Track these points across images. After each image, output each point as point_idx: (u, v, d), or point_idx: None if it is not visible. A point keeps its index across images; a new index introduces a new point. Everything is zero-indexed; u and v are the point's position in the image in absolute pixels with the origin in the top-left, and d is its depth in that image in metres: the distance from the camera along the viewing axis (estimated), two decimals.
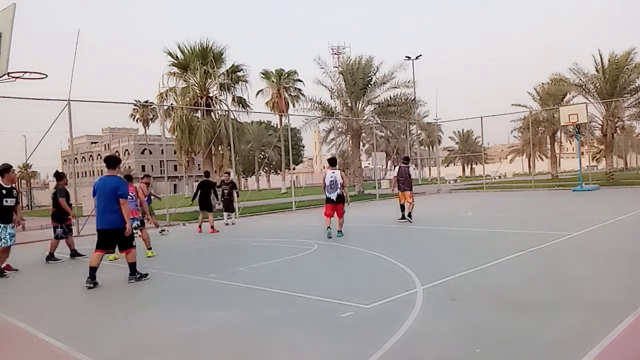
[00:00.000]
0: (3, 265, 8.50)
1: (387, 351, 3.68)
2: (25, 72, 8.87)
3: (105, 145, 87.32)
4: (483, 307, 4.77)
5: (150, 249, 9.20)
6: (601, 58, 28.81)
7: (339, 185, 10.21)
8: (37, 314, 5.59)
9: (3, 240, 8.16)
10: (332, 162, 10.85)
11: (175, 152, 26.14)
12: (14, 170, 8.47)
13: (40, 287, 7.26)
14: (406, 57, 41.33)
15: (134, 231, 9.93)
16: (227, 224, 14.79)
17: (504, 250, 7.58)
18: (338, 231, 10.37)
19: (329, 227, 10.31)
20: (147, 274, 7.07)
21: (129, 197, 9.08)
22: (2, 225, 8.10)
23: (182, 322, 4.87)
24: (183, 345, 4.18)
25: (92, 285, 6.65)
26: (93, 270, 6.73)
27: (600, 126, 30.59)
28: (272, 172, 74.21)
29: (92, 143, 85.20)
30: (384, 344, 3.80)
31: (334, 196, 10.20)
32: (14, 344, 4.57)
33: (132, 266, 6.95)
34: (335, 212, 10.37)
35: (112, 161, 7.12)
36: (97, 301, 6.11)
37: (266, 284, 6.23)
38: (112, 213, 6.74)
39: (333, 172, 10.34)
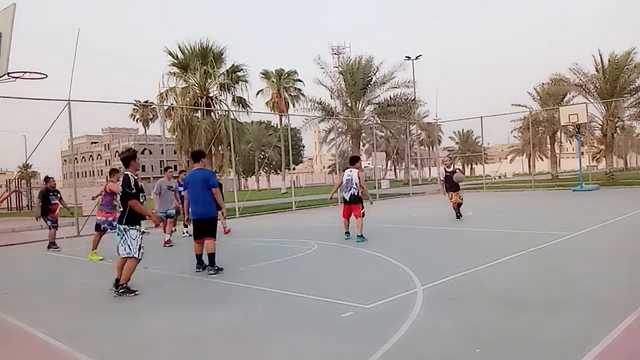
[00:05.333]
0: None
1: (387, 351, 3.68)
2: (25, 72, 8.84)
3: (105, 145, 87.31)
4: (483, 307, 4.77)
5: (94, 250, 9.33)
6: (601, 58, 28.86)
7: (354, 185, 9.61)
8: (37, 314, 5.59)
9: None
10: (351, 160, 10.34)
11: (175, 152, 26.14)
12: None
13: (40, 287, 7.25)
14: (406, 57, 41.28)
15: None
16: (184, 235, 12.33)
17: (504, 250, 7.58)
18: (358, 236, 9.52)
19: (347, 232, 9.85)
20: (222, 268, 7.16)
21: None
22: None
23: (182, 322, 4.87)
24: (183, 345, 4.18)
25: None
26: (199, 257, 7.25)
27: (600, 126, 30.62)
28: (272, 172, 74.21)
29: (92, 143, 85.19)
30: (384, 344, 3.80)
31: (347, 196, 9.69)
32: (14, 344, 4.57)
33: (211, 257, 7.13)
34: (352, 214, 9.74)
35: (197, 155, 7.53)
36: (97, 301, 6.10)
37: (266, 284, 6.23)
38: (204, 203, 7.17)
39: (350, 171, 9.80)
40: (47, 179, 11.68)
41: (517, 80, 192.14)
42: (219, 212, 8.54)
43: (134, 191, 6.02)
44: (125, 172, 6.13)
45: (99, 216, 9.48)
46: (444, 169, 13.64)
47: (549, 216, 13.25)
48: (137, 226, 6.15)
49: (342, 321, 4.54)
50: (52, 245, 11.16)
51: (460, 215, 12.97)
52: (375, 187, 30.02)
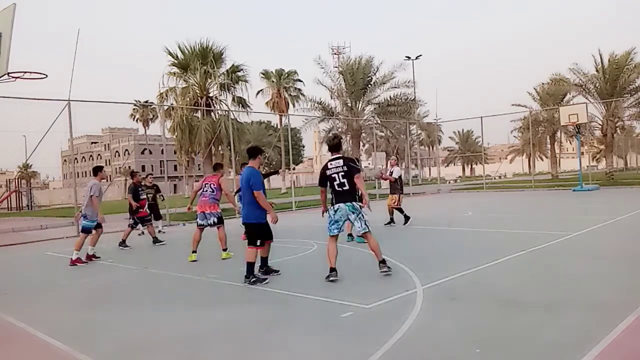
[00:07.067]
0: None
1: (387, 351, 3.68)
2: (25, 72, 8.86)
3: (105, 145, 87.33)
4: (483, 307, 4.77)
5: (225, 249, 8.67)
6: (601, 58, 28.86)
7: None
8: (37, 314, 5.59)
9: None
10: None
11: (175, 152, 26.21)
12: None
13: (40, 287, 7.25)
14: (406, 57, 41.33)
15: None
16: (141, 234, 12.99)
17: (504, 250, 7.58)
18: (358, 236, 9.34)
19: (349, 234, 9.65)
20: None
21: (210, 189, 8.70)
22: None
23: (182, 322, 4.87)
24: (183, 345, 4.18)
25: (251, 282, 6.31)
26: (251, 266, 6.39)
27: (600, 126, 30.60)
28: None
29: (92, 143, 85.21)
30: (384, 344, 3.80)
31: None
32: (14, 344, 4.57)
33: (251, 266, 6.42)
34: None
35: (252, 151, 6.77)
36: (97, 301, 6.11)
37: (266, 284, 6.24)
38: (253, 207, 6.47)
39: None
40: (133, 173, 11.55)
41: (517, 80, 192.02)
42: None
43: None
44: (350, 157, 6.42)
45: (214, 210, 8.70)
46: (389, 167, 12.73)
47: (549, 216, 13.25)
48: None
49: (342, 321, 4.54)
50: (122, 243, 10.77)
51: (393, 223, 11.77)
52: (375, 187, 30.00)
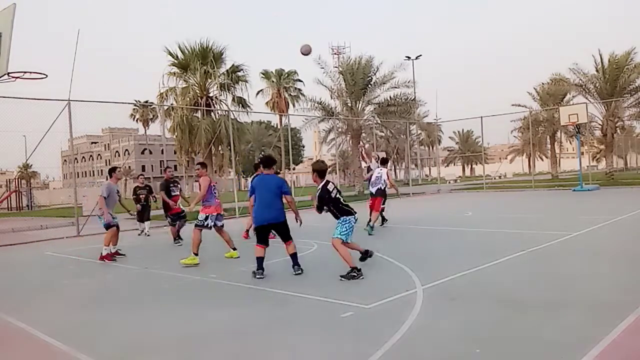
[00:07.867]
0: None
1: (387, 351, 3.68)
2: (26, 72, 8.88)
3: (105, 145, 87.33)
4: (483, 307, 4.77)
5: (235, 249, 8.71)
6: (601, 58, 28.85)
7: (382, 181, 11.36)
8: (37, 314, 5.59)
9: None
10: (383, 161, 12.17)
11: (175, 152, 26.19)
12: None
13: (40, 287, 7.25)
14: (406, 57, 41.34)
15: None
16: (140, 234, 13.11)
17: (504, 250, 7.58)
18: (368, 224, 10.70)
19: (372, 226, 10.75)
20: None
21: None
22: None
23: (182, 322, 4.87)
24: (183, 345, 4.18)
25: (262, 277, 6.61)
26: (260, 260, 6.74)
27: (600, 126, 30.60)
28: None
29: (92, 143, 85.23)
30: (384, 344, 3.80)
31: (374, 189, 11.43)
32: (14, 344, 4.57)
33: (294, 256, 6.94)
34: (373, 207, 11.34)
35: (269, 161, 7.35)
36: (97, 301, 6.11)
37: (266, 284, 6.24)
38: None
39: (380, 170, 11.59)
40: (166, 169, 11.33)
41: (517, 80, 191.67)
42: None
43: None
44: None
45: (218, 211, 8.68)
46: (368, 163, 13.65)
47: (549, 216, 13.24)
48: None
49: (342, 321, 4.54)
50: (177, 239, 10.68)
51: (385, 221, 12.26)
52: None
